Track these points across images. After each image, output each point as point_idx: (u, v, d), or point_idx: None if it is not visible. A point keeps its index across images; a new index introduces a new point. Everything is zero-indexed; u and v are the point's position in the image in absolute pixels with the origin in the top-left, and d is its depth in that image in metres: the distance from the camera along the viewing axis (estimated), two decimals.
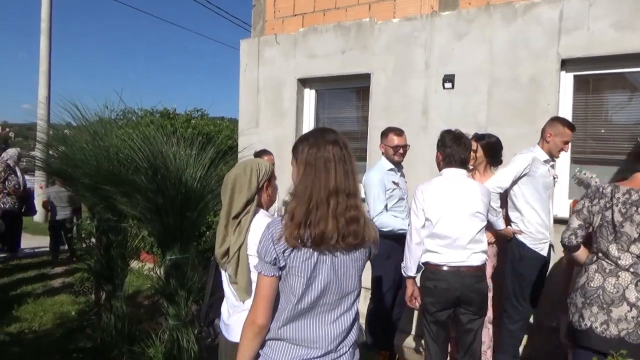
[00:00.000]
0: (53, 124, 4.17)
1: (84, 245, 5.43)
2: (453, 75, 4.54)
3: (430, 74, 4.67)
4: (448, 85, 4.56)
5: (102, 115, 4.23)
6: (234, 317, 2.19)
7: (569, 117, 4.18)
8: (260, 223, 2.12)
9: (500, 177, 3.58)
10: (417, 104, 4.74)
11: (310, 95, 5.69)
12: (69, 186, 4.50)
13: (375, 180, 3.81)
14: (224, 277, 2.27)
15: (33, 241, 8.81)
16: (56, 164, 4.02)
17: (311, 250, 1.55)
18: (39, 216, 12.01)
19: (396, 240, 3.61)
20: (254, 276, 2.10)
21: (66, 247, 7.58)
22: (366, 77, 5.08)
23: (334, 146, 1.60)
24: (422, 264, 3.15)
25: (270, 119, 5.78)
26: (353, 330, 1.71)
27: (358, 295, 1.72)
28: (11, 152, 7.41)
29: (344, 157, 1.60)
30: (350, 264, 1.63)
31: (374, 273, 3.93)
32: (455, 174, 3.12)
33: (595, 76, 4.16)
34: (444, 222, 3.03)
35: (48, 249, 7.57)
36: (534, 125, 4.10)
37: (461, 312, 3.06)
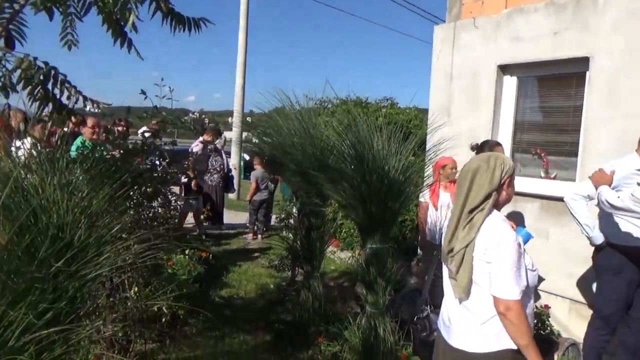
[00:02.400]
0: (263, 112, 4.52)
1: (284, 225, 5.88)
2: None
3: None
4: None
5: (304, 104, 4.47)
6: (460, 323, 2.06)
7: None
8: (493, 224, 1.97)
9: None
10: None
11: (511, 82, 5.22)
12: (277, 171, 4.87)
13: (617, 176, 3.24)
14: (445, 271, 2.18)
15: (230, 215, 9.95)
16: (268, 149, 4.37)
17: None
18: (234, 194, 13.53)
19: (629, 254, 3.09)
20: (476, 277, 1.97)
21: (259, 224, 8.35)
22: (583, 61, 4.45)
23: None
24: None
25: (463, 108, 5.48)
26: None
27: None
28: (224, 137, 8.32)
29: None
30: None
31: (600, 289, 3.43)
32: None
33: None
34: None
35: (247, 224, 8.42)
36: None
37: None
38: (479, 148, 3.88)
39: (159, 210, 3.24)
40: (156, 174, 3.24)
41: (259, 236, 8.12)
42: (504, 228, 1.97)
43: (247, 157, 17.27)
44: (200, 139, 7.47)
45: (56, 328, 1.37)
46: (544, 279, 4.61)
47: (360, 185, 3.38)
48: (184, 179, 6.72)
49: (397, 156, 3.55)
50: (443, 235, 2.13)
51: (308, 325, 4.04)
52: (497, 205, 2.03)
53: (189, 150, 7.61)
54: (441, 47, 5.77)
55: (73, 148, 2.75)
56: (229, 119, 14.23)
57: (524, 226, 4.32)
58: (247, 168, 17.49)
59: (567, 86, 4.86)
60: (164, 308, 3.40)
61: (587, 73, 4.44)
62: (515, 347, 1.93)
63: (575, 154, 4.59)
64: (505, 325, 1.91)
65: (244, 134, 12.73)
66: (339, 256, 6.66)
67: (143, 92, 3.17)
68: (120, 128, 4.06)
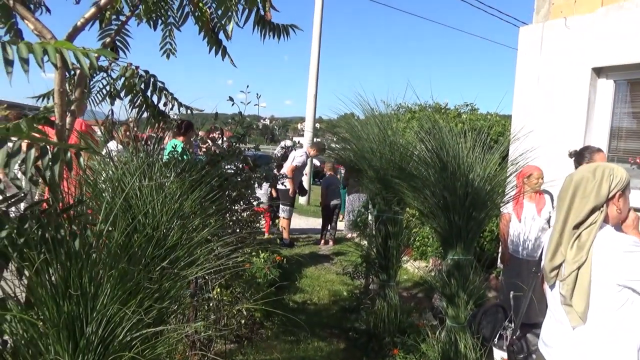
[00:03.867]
0: (342, 117, 4.51)
1: (358, 233, 5.82)
2: None
3: None
4: None
5: (384, 110, 4.40)
6: (564, 348, 1.89)
7: None
8: (607, 240, 1.78)
9: None
10: None
11: (606, 86, 4.85)
12: (355, 177, 4.84)
13: None
14: (549, 293, 2.01)
15: (300, 220, 10.05)
16: (347, 156, 4.35)
17: None
18: (303, 199, 13.71)
19: None
20: (598, 303, 1.77)
21: (330, 229, 8.37)
22: None
23: None
24: None
25: (552, 114, 5.15)
26: None
27: None
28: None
29: None
30: None
31: None
32: None
33: None
34: None
35: (320, 228, 8.48)
36: None
37: None
38: (577, 155, 3.60)
39: (243, 215, 3.30)
40: (240, 179, 3.32)
41: (330, 242, 8.13)
42: (623, 237, 1.77)
43: (317, 163, 17.45)
44: (305, 149, 7.65)
45: (161, 327, 1.41)
46: None
47: (443, 193, 3.26)
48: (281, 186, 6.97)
49: (482, 164, 3.39)
50: (544, 252, 1.97)
51: (383, 335, 3.96)
52: (607, 220, 1.85)
53: (275, 155, 7.83)
54: (527, 48, 5.48)
55: (165, 152, 2.88)
56: (299, 125, 14.47)
57: None
58: (316, 173, 17.68)
59: None
60: (243, 310, 3.46)
61: None
62: None
63: None
64: None
65: (315, 139, 12.87)
66: (413, 265, 6.50)
67: (231, 99, 3.25)
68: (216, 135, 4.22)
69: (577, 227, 1.81)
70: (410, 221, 5.13)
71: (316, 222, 8.79)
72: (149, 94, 2.47)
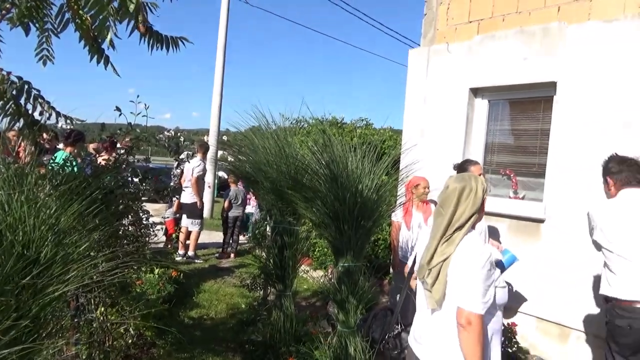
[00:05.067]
0: (239, 130, 4.52)
1: (256, 244, 5.83)
2: None
3: (636, 81, 4.06)
4: None
5: (282, 123, 4.50)
6: (432, 339, 2.09)
7: None
8: (470, 242, 2.02)
9: None
10: (618, 114, 4.15)
11: (482, 105, 5.37)
12: (252, 188, 4.85)
13: None
14: (419, 288, 2.21)
15: (201, 235, 9.80)
16: (243, 167, 4.36)
17: None
18: (205, 212, 13.37)
19: None
20: (449, 292, 2.02)
21: (231, 242, 8.27)
22: (550, 85, 4.62)
23: None
24: (610, 297, 2.87)
25: (437, 129, 5.59)
26: None
27: None
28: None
29: None
30: None
31: None
32: None
33: None
34: None
35: (222, 241, 8.32)
36: None
37: None
38: (459, 167, 3.97)
39: (129, 228, 3.18)
40: (128, 191, 3.20)
41: (232, 255, 8.03)
42: (479, 245, 2.05)
43: (225, 176, 17.17)
44: (199, 157, 7.39)
45: (17, 347, 1.32)
46: (514, 297, 4.70)
47: (334, 203, 3.40)
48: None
49: (370, 175, 3.59)
50: (423, 252, 2.16)
51: (279, 345, 3.99)
52: (473, 224, 2.10)
53: (175, 171, 7.58)
54: (415, 70, 5.91)
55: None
56: (205, 137, 14.18)
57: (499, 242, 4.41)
58: (223, 187, 17.37)
59: (536, 109, 5.03)
60: (130, 329, 3.31)
61: (554, 97, 4.61)
62: None
63: (543, 175, 4.72)
64: (461, 338, 1.91)
65: (220, 152, 12.64)
66: (312, 275, 6.63)
67: (118, 109, 3.13)
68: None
69: (459, 228, 2.05)
70: (310, 232, 5.25)
71: (220, 236, 8.64)
72: (22, 101, 2.32)
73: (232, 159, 4.82)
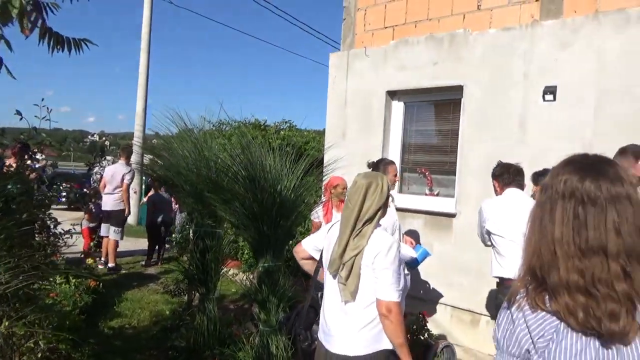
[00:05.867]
0: (158, 134, 4.44)
1: (180, 249, 5.73)
2: (555, 87, 4.30)
3: (529, 85, 4.45)
4: (549, 97, 4.31)
5: (201, 126, 4.48)
6: (341, 330, 2.19)
7: None
8: (380, 235, 2.17)
9: None
10: (514, 116, 4.53)
11: (398, 107, 5.64)
12: (172, 192, 4.78)
13: None
14: (328, 281, 2.30)
15: (127, 242, 9.44)
16: (161, 171, 4.28)
17: (584, 339, 0.99)
18: (131, 219, 12.87)
19: None
20: (362, 283, 2.14)
21: (157, 248, 8.04)
22: (458, 89, 4.95)
23: (593, 179, 1.06)
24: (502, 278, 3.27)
25: (357, 131, 5.79)
26: None
27: None
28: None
29: (615, 202, 1.03)
30: None
31: None
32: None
33: None
34: None
35: (146, 249, 8.05)
36: None
37: None
38: (374, 166, 4.14)
39: (36, 237, 3.03)
40: (36, 198, 3.06)
41: (158, 261, 7.81)
42: (389, 238, 2.20)
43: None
44: (122, 162, 7.05)
45: None
46: (431, 289, 4.97)
47: (252, 205, 3.44)
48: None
49: (289, 176, 3.67)
50: (334, 246, 2.24)
51: (203, 349, 3.97)
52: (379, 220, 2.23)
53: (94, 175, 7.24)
54: (336, 73, 6.08)
55: None
56: (132, 141, 13.62)
57: (420, 243, 4.64)
58: (146, 192, 16.76)
59: (446, 111, 5.36)
60: (40, 342, 3.15)
61: (462, 100, 4.93)
62: (390, 347, 2.14)
63: (454, 173, 5.04)
64: (385, 325, 2.09)
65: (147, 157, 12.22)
66: (241, 278, 6.60)
67: (18, 113, 2.98)
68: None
69: (364, 223, 2.17)
70: (238, 234, 5.25)
71: (146, 242, 8.36)
72: None
73: (154, 164, 4.72)
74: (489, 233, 3.50)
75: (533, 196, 3.64)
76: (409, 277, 2.34)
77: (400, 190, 5.57)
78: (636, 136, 3.88)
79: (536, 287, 1.05)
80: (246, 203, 3.43)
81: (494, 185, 3.69)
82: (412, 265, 3.66)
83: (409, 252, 3.59)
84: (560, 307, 1.00)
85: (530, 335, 1.02)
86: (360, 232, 2.16)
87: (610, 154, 3.85)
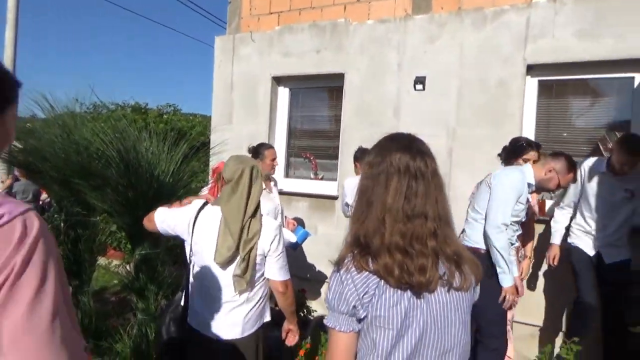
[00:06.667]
0: (18, 116, 4.05)
1: None
2: (424, 77, 4.66)
3: (403, 75, 4.77)
4: (419, 86, 4.67)
5: (72, 109, 4.17)
6: (224, 313, 2.21)
7: (532, 121, 4.35)
8: (268, 225, 2.24)
9: None
10: (389, 104, 4.84)
11: (284, 93, 5.72)
12: (35, 179, 4.41)
13: (518, 184, 3.03)
14: (215, 269, 2.26)
15: None
16: (23, 157, 3.93)
17: (400, 292, 1.16)
18: None
19: None
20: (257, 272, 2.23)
21: None
22: (340, 76, 5.15)
23: (412, 159, 1.23)
24: None
25: (244, 116, 5.78)
26: None
27: (467, 352, 1.27)
28: None
29: (424, 173, 1.23)
30: (453, 308, 1.22)
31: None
32: None
33: (558, 82, 4.34)
34: None
35: None
36: (501, 128, 4.25)
37: None
38: (254, 151, 4.15)
39: None
40: None
41: None
42: (275, 223, 2.29)
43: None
44: None
45: None
46: (314, 269, 5.17)
47: (127, 191, 3.32)
48: None
49: (167, 161, 3.59)
50: (221, 237, 2.18)
51: None
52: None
53: None
54: (222, 57, 5.99)
55: None
56: None
57: (304, 226, 4.77)
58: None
59: (330, 98, 5.55)
60: None
61: (343, 87, 5.14)
62: (268, 319, 2.34)
63: (337, 157, 5.26)
64: (282, 300, 2.30)
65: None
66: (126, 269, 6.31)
67: None
68: None
69: (255, 211, 2.19)
70: (113, 221, 4.98)
71: None
72: None
73: (13, 150, 4.30)
74: (347, 205, 4.11)
75: None
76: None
77: (287, 175, 5.69)
78: (489, 124, 4.37)
79: (361, 252, 1.19)
80: (119, 189, 3.29)
81: (355, 166, 4.43)
82: (292, 247, 3.80)
83: (289, 237, 3.72)
84: (380, 267, 1.16)
85: (357, 293, 1.16)
86: (250, 223, 2.16)
87: (469, 138, 4.32)
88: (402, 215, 1.19)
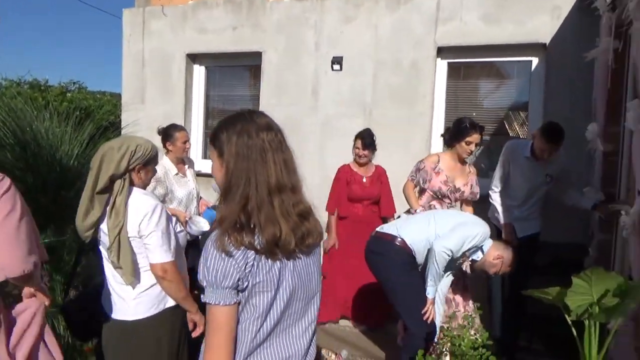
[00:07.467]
0: None
1: None
2: (341, 58, 4.70)
3: (320, 55, 4.78)
4: (336, 67, 4.71)
5: None
6: (122, 297, 2.11)
7: (442, 102, 4.56)
8: (137, 201, 2.06)
9: None
10: (307, 84, 4.84)
11: (200, 71, 5.52)
12: None
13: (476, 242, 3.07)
14: (105, 260, 2.17)
15: None
16: None
17: (270, 260, 1.28)
18: None
19: None
20: (138, 259, 2.07)
21: None
22: (258, 55, 5.05)
23: (268, 132, 1.31)
24: None
25: (157, 94, 5.51)
26: (314, 338, 1.47)
27: (319, 295, 1.48)
28: None
29: (281, 145, 1.33)
30: (312, 263, 1.41)
31: None
32: None
33: (466, 64, 4.58)
34: None
35: None
36: (413, 108, 4.42)
37: None
38: (163, 132, 3.95)
39: None
40: None
41: None
42: (148, 200, 2.09)
43: None
44: None
45: None
46: None
47: (25, 174, 3.06)
48: None
49: (71, 142, 3.35)
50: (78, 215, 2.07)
51: None
52: (134, 186, 2.10)
53: None
54: (131, 31, 5.64)
55: None
56: None
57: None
58: None
59: (248, 76, 5.45)
60: None
61: (262, 66, 5.06)
62: (172, 304, 2.13)
63: None
64: (165, 286, 2.08)
65: None
66: None
67: None
68: None
69: (100, 192, 2.01)
70: None
71: None
72: None
73: None
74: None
75: None
76: (182, 234, 2.31)
77: (205, 156, 5.54)
78: (403, 103, 4.53)
79: (237, 229, 1.25)
80: (16, 172, 3.02)
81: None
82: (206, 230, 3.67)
83: (202, 225, 3.47)
84: (255, 240, 1.25)
85: (239, 266, 1.24)
86: (113, 206, 2.02)
87: (385, 118, 4.44)
88: (288, 189, 1.30)
